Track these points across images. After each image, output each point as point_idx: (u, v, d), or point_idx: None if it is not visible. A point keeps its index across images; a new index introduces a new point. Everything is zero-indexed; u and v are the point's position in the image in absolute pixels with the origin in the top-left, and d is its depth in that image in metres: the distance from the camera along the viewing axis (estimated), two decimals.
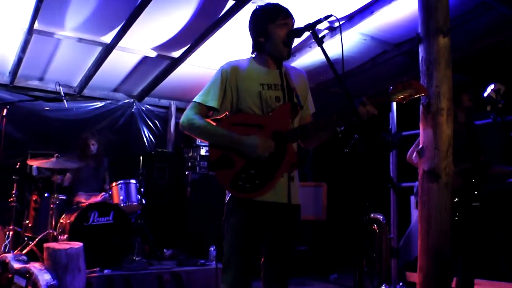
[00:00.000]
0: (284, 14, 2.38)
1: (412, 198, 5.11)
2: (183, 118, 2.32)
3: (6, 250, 4.49)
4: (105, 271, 4.65)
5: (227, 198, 2.34)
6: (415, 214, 5.11)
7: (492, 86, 3.50)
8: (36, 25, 4.92)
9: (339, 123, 2.33)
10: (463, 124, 3.50)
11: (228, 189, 2.27)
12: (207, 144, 2.33)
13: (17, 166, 4.98)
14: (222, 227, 2.34)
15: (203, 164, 6.43)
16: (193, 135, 2.42)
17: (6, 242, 4.65)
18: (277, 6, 2.41)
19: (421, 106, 3.14)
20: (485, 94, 3.48)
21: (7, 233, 4.72)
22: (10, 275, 3.69)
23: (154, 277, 4.85)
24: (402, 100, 2.30)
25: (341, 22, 5.00)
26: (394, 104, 5.51)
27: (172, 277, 4.93)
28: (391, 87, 2.28)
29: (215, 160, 2.24)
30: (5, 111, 4.82)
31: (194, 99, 2.35)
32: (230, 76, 2.33)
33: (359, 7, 4.91)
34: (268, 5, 2.44)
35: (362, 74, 6.29)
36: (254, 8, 2.48)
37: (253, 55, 2.47)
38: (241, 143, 2.21)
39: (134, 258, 5.16)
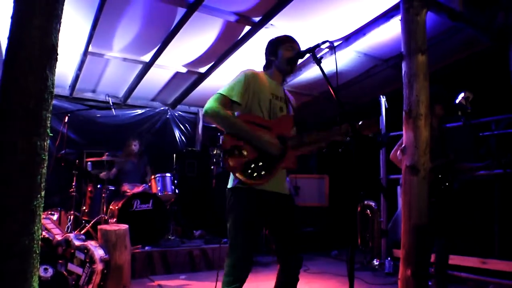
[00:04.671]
0: (291, 40, 2.51)
1: (399, 188, 5.12)
2: (208, 106, 2.23)
3: (69, 231, 4.59)
4: (146, 247, 4.78)
5: (231, 185, 2.27)
6: (401, 201, 5.13)
7: (462, 95, 3.50)
8: (90, 48, 5.01)
9: (327, 140, 2.36)
10: (436, 129, 3.52)
11: (238, 174, 2.18)
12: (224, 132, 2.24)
13: (76, 163, 5.06)
14: (228, 211, 2.26)
15: None
16: (215, 122, 2.24)
17: (68, 224, 4.73)
18: (287, 35, 2.54)
19: (403, 112, 3.18)
20: (457, 101, 3.49)
21: (69, 217, 4.80)
22: (72, 250, 3.76)
23: (186, 252, 4.96)
24: (367, 133, 2.32)
25: (336, 44, 5.10)
26: (384, 109, 5.53)
27: (200, 252, 5.03)
28: (360, 122, 2.30)
29: (229, 148, 2.19)
30: (66, 118, 4.90)
31: (219, 91, 2.27)
32: (251, 81, 2.31)
33: (354, 29, 4.91)
34: (281, 35, 2.56)
35: (358, 84, 6.27)
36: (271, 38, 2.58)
37: (264, 71, 2.53)
38: (258, 139, 2.21)
39: (170, 237, 5.25)
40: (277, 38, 2.54)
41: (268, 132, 2.29)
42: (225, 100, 2.25)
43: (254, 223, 2.24)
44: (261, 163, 2.23)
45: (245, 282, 2.18)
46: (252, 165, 2.21)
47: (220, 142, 6.42)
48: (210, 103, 2.24)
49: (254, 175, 2.21)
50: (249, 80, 2.31)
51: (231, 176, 2.29)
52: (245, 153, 2.21)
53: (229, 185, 2.30)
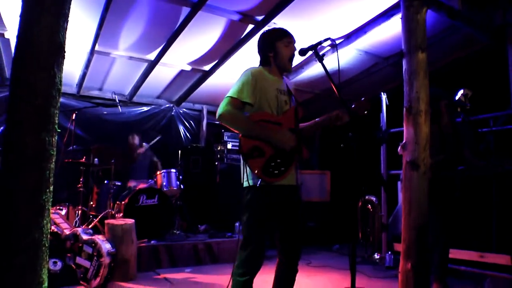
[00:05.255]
0: (289, 35, 2.41)
1: (399, 183, 5.12)
2: (222, 110, 2.19)
3: (77, 225, 4.59)
4: (152, 241, 4.78)
5: (252, 183, 2.22)
6: (401, 196, 5.13)
7: (461, 91, 3.50)
8: (97, 47, 5.02)
9: (322, 125, 2.39)
10: (444, 126, 3.49)
11: (260, 175, 2.17)
12: (238, 137, 2.23)
13: (83, 159, 5.07)
14: (245, 207, 2.24)
15: (229, 156, 6.43)
16: (230, 124, 2.21)
17: (76, 219, 4.74)
18: (283, 29, 2.44)
19: (404, 109, 3.17)
20: (456, 98, 3.48)
21: (77, 212, 4.81)
22: (80, 244, 3.78)
23: (191, 246, 4.96)
24: (362, 113, 2.35)
25: (338, 42, 5.08)
26: (384, 106, 5.51)
27: (205, 246, 5.03)
28: (353, 105, 2.33)
29: (248, 151, 2.18)
30: (74, 115, 4.90)
31: (230, 95, 2.23)
32: (257, 79, 2.27)
33: (355, 28, 4.90)
34: (276, 28, 2.47)
35: (359, 81, 6.24)
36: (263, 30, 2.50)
37: (261, 67, 2.42)
38: (272, 136, 2.20)
39: (175, 231, 5.26)
40: (272, 31, 2.43)
41: (280, 127, 2.28)
42: (237, 103, 2.21)
43: (269, 220, 2.24)
44: (279, 160, 2.23)
45: (256, 275, 2.19)
46: (272, 163, 2.21)
47: (224, 138, 6.48)
48: (223, 107, 2.20)
49: (276, 172, 2.21)
50: (256, 78, 2.27)
51: (246, 175, 2.24)
52: (263, 153, 2.20)
53: (245, 184, 2.26)
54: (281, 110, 2.33)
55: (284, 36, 2.39)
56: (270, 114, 2.28)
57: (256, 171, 2.18)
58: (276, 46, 2.37)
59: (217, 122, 2.34)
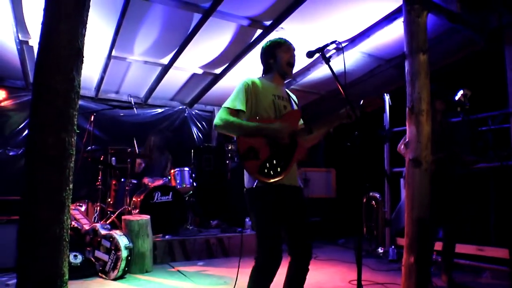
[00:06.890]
0: (287, 42, 2.45)
1: (402, 180, 5.07)
2: (217, 120, 2.21)
3: (95, 221, 4.60)
4: (166, 236, 4.80)
5: (249, 185, 2.22)
6: (404, 192, 5.08)
7: (461, 92, 3.46)
8: (113, 52, 5.04)
9: (333, 124, 2.33)
10: (439, 123, 3.47)
11: (256, 175, 2.15)
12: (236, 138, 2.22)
13: (101, 159, 5.08)
14: (250, 209, 2.23)
15: None
16: (226, 131, 2.23)
17: (95, 215, 4.74)
18: (281, 38, 2.48)
19: (407, 108, 3.15)
20: (456, 98, 3.45)
21: (95, 208, 4.82)
22: (99, 239, 3.81)
23: (203, 241, 4.96)
24: (370, 110, 2.30)
25: (343, 45, 5.04)
26: (387, 106, 5.46)
27: (217, 241, 5.03)
28: (361, 101, 2.28)
29: (244, 152, 2.16)
30: (92, 117, 4.95)
31: (224, 105, 2.26)
32: (251, 88, 2.28)
33: (359, 31, 4.86)
34: (275, 38, 2.49)
35: (363, 83, 6.18)
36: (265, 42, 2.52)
37: (263, 76, 2.47)
38: (267, 128, 2.19)
39: (188, 227, 5.28)
40: (272, 41, 2.46)
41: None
42: (230, 111, 2.23)
43: (274, 218, 2.19)
44: (275, 161, 2.19)
45: (275, 273, 2.15)
46: (267, 164, 2.17)
47: (234, 138, 6.48)
48: (217, 116, 2.23)
49: (271, 173, 2.17)
50: (248, 86, 2.28)
51: (247, 177, 2.24)
52: (258, 154, 2.17)
53: (246, 186, 2.26)
54: (279, 114, 2.32)
55: (283, 43, 2.44)
56: (266, 118, 2.28)
57: (252, 172, 2.16)
58: (276, 53, 2.41)
59: None
